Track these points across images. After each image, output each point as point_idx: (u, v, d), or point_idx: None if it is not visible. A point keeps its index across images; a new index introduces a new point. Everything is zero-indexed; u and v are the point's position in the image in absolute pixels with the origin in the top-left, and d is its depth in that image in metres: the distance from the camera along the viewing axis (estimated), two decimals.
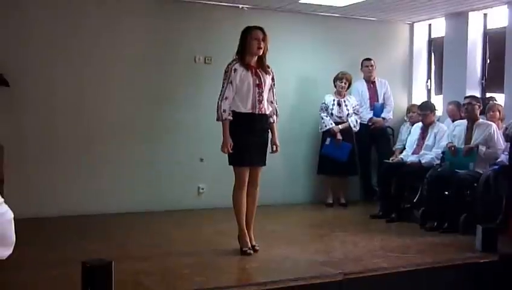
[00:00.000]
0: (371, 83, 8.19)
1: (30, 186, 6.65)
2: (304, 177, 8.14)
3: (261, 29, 5.09)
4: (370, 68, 8.11)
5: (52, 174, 6.81)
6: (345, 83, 7.82)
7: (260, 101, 5.08)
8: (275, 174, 7.41)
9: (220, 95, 5.05)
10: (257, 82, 5.07)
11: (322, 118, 7.79)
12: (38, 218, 6.36)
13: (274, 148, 5.29)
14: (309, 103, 8.02)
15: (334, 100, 7.83)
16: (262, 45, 5.03)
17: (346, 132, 7.79)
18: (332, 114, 7.78)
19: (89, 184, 6.97)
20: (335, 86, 7.88)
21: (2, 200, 1.81)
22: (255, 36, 5.03)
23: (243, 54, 5.08)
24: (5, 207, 1.82)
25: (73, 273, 4.00)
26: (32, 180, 6.69)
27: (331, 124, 7.74)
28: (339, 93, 7.86)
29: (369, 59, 8.12)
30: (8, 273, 4.15)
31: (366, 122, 8.06)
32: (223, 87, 5.06)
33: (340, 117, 7.80)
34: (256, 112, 5.08)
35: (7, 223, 1.82)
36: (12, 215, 1.83)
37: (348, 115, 7.82)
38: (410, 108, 8.07)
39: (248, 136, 5.08)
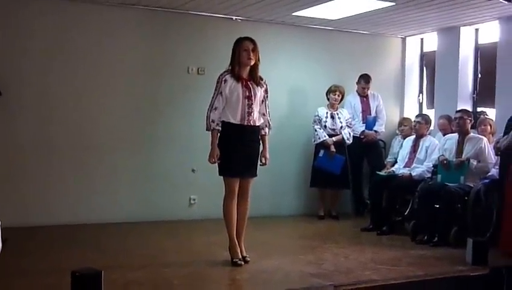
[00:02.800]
0: (363, 97, 8.22)
1: (22, 195, 6.62)
2: (295, 189, 8.14)
3: (251, 40, 5.11)
4: (365, 90, 8.14)
5: (44, 184, 6.79)
6: (338, 96, 7.85)
7: (250, 113, 5.09)
8: (266, 186, 7.43)
9: (210, 105, 5.10)
10: (247, 94, 5.08)
11: (316, 131, 7.80)
12: (29, 227, 6.33)
13: (263, 161, 5.29)
14: (301, 115, 8.04)
15: (327, 113, 7.85)
16: (252, 56, 5.05)
17: (339, 144, 7.81)
18: (325, 126, 7.80)
19: (81, 194, 6.96)
20: (328, 99, 7.90)
21: None
22: (244, 47, 5.06)
23: (234, 65, 5.11)
24: None
25: (63, 282, 3.98)
26: (24, 189, 6.66)
27: (325, 136, 7.76)
28: (331, 106, 7.89)
29: (368, 81, 8.07)
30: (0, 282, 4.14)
31: (358, 135, 8.08)
32: (212, 97, 5.10)
33: (333, 130, 7.82)
34: (245, 124, 5.09)
35: None
36: (0, 223, 1.83)
37: (341, 127, 7.84)
38: (402, 121, 8.11)
39: (238, 147, 5.09)
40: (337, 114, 7.88)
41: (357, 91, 8.23)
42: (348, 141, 7.87)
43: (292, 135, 8.03)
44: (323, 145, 7.76)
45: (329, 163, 7.71)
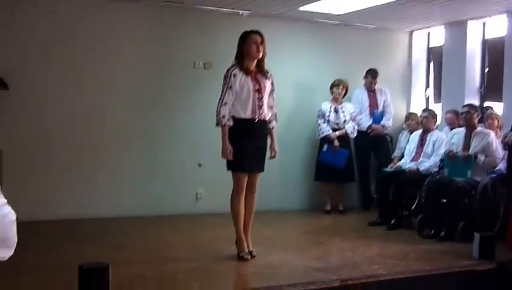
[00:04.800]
0: (371, 91, 8.19)
1: (27, 190, 6.62)
2: (301, 184, 8.13)
3: (259, 33, 5.09)
4: (373, 85, 8.12)
5: (48, 178, 6.80)
6: (342, 90, 7.84)
7: (260, 107, 5.07)
8: (272, 181, 7.40)
9: (220, 100, 5.03)
10: (257, 87, 5.06)
11: (319, 125, 7.80)
12: (34, 221, 6.32)
13: (273, 154, 5.28)
14: (306, 110, 8.03)
15: (331, 107, 7.84)
16: (261, 49, 5.04)
17: (343, 138, 7.80)
18: (329, 121, 7.79)
19: (86, 188, 6.97)
20: (331, 93, 7.89)
21: (5, 201, 1.82)
22: (253, 40, 5.03)
23: (242, 59, 5.07)
24: (8, 208, 1.83)
25: (69, 277, 3.99)
26: (28, 184, 6.67)
27: (329, 130, 7.74)
28: (335, 100, 7.87)
29: (375, 76, 8.06)
30: (4, 277, 4.14)
31: (365, 130, 8.06)
32: (222, 92, 5.03)
33: (337, 124, 7.81)
34: (256, 118, 5.06)
35: (9, 224, 1.83)
36: (15, 217, 1.84)
37: (345, 121, 7.83)
38: (409, 116, 8.08)
39: (248, 142, 5.06)
40: (341, 108, 7.86)
41: (364, 85, 8.21)
42: (352, 135, 7.86)
43: (298, 130, 8.01)
44: (327, 139, 7.75)
45: (333, 157, 7.70)
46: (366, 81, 8.15)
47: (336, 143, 7.72)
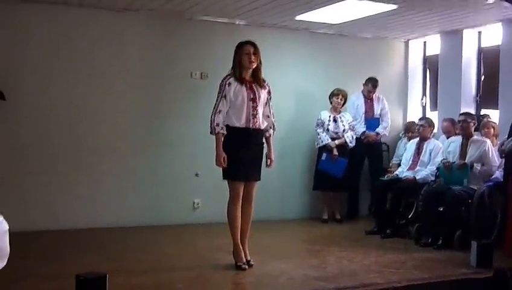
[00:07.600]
0: (368, 99, 8.19)
1: (25, 200, 6.64)
2: (299, 193, 8.14)
3: (252, 43, 5.13)
4: (371, 94, 8.12)
5: (46, 188, 6.81)
6: (341, 99, 7.86)
7: (254, 116, 5.10)
8: (270, 190, 7.42)
9: (214, 108, 5.09)
10: (251, 96, 5.09)
11: (318, 134, 7.81)
12: (33, 231, 6.34)
13: (268, 163, 5.30)
14: (304, 119, 8.04)
15: (330, 116, 7.86)
16: (253, 59, 5.08)
17: (342, 147, 7.82)
18: (328, 130, 7.81)
19: (84, 198, 6.97)
20: (330, 102, 7.91)
21: None
22: (246, 51, 5.09)
23: (236, 69, 5.13)
24: (0, 218, 1.82)
25: (67, 287, 3.99)
26: (27, 194, 6.68)
27: (328, 139, 7.76)
28: (334, 110, 7.90)
29: (375, 85, 8.04)
30: (3, 287, 4.13)
31: (359, 136, 8.06)
32: (216, 101, 5.09)
33: (336, 133, 7.83)
34: (251, 127, 5.10)
35: (2, 235, 1.82)
36: (7, 227, 1.83)
37: (344, 130, 7.84)
38: (409, 128, 7.99)
39: (242, 151, 5.08)
40: (340, 117, 7.88)
41: (362, 92, 8.21)
42: (350, 144, 7.87)
43: (296, 139, 8.03)
44: (325, 148, 7.77)
45: (332, 166, 7.71)
46: (365, 88, 8.14)
47: (335, 152, 7.73)
